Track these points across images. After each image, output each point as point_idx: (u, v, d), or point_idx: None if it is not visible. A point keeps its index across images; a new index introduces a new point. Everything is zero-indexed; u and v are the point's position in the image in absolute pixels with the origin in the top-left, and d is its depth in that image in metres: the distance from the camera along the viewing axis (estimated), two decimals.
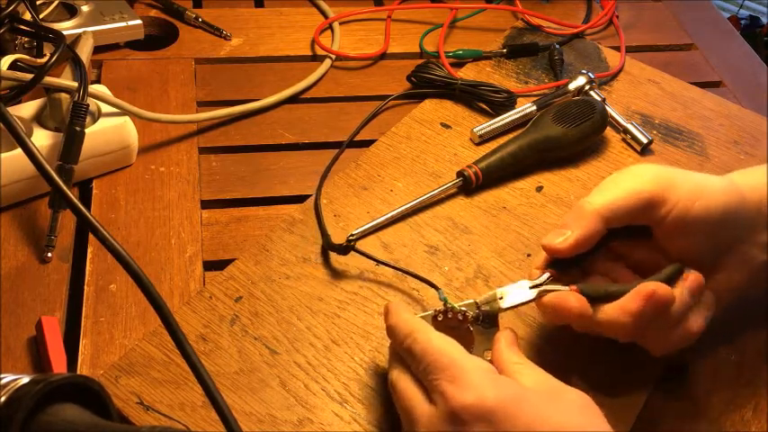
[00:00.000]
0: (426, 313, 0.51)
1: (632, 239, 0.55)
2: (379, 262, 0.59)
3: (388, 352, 0.51)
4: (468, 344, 0.50)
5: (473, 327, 0.51)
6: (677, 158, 0.74)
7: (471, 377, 0.44)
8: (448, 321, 0.51)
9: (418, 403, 0.46)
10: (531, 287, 0.52)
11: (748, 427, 0.55)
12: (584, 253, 0.53)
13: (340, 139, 0.73)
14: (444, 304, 0.52)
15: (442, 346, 0.46)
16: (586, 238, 0.52)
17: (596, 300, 0.51)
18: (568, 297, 0.51)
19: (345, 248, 0.59)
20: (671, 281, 0.51)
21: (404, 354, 0.48)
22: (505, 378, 0.46)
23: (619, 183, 0.53)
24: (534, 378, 0.46)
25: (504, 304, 0.52)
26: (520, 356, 0.49)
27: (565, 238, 0.52)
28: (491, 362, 0.48)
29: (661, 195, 0.52)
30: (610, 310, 0.50)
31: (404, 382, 0.47)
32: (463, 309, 0.51)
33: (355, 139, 0.73)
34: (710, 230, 0.53)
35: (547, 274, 0.52)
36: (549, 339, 0.57)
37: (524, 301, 0.52)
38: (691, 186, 0.53)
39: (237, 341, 0.55)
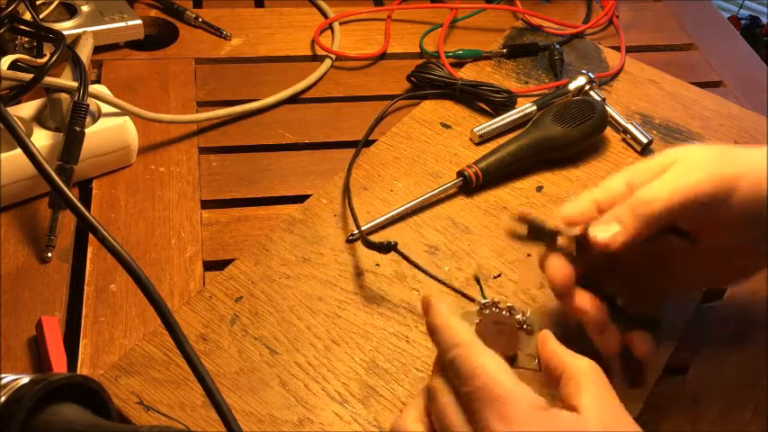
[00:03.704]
0: (467, 311, 0.48)
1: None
2: (420, 269, 0.57)
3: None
4: (512, 343, 0.47)
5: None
6: None
7: (523, 417, 0.39)
8: (495, 316, 0.48)
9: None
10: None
11: (748, 427, 0.55)
12: None
13: (340, 139, 0.73)
14: (491, 302, 0.49)
15: (493, 371, 0.41)
16: (639, 238, 0.48)
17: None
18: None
19: (387, 247, 0.57)
20: None
21: (447, 366, 0.43)
22: (560, 414, 0.41)
23: (681, 172, 0.49)
24: (593, 394, 0.42)
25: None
26: (575, 355, 0.44)
27: (613, 234, 0.48)
28: (539, 365, 0.45)
29: (731, 184, 0.48)
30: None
31: (445, 397, 0.43)
32: (509, 304, 0.48)
33: (355, 140, 0.73)
34: None
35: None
36: None
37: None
38: (761, 168, 0.48)
39: (237, 341, 0.55)
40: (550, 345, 0.45)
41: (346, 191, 0.65)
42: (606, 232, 0.49)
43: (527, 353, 0.47)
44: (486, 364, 0.41)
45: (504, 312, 0.48)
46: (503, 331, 0.47)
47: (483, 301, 0.49)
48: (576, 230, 0.51)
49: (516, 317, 0.49)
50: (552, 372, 0.44)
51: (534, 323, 0.48)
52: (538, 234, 0.51)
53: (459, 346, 0.43)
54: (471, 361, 0.42)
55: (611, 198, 0.51)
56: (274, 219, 0.65)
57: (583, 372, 0.43)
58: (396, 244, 0.56)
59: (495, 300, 0.49)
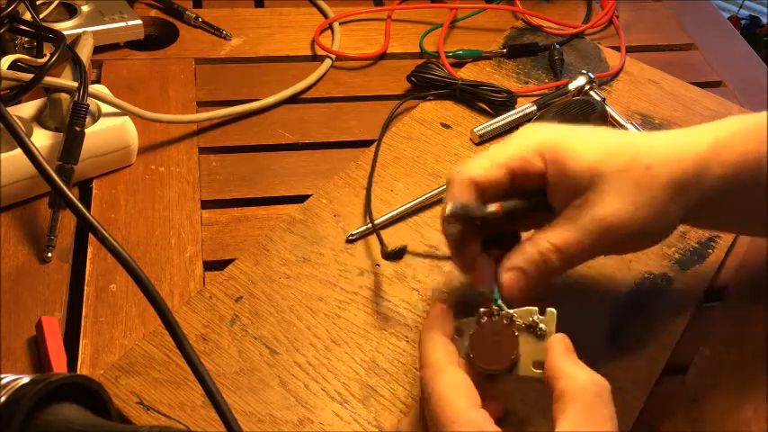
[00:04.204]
0: (465, 320, 0.48)
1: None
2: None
3: None
4: (509, 350, 0.46)
5: (521, 335, 0.46)
6: None
7: None
8: (492, 325, 0.47)
9: None
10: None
11: (748, 426, 0.55)
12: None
13: (340, 139, 0.73)
14: (492, 306, 0.48)
15: (446, 396, 0.43)
16: (489, 177, 0.48)
17: None
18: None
19: (400, 253, 0.57)
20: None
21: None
22: None
23: (600, 217, 0.47)
24: (573, 423, 0.40)
25: None
26: (581, 369, 0.42)
27: (519, 290, 0.48)
28: (542, 373, 0.44)
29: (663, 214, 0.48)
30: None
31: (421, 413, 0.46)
32: (511, 312, 0.47)
33: (356, 139, 0.73)
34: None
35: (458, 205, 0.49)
36: None
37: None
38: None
39: (237, 341, 0.55)
40: (554, 354, 0.43)
41: (367, 207, 0.64)
42: (513, 288, 0.48)
43: (535, 358, 0.46)
44: (446, 388, 0.43)
45: (504, 320, 0.47)
46: (500, 341, 0.46)
47: (481, 310, 0.48)
48: (494, 207, 0.49)
49: (518, 323, 0.47)
50: (550, 382, 0.43)
51: (547, 327, 0.46)
52: (464, 217, 0.50)
53: (427, 366, 0.45)
54: (431, 384, 0.44)
55: (525, 171, 0.49)
56: (274, 219, 0.65)
57: (573, 393, 0.41)
58: (406, 247, 0.57)
59: (495, 308, 0.48)
